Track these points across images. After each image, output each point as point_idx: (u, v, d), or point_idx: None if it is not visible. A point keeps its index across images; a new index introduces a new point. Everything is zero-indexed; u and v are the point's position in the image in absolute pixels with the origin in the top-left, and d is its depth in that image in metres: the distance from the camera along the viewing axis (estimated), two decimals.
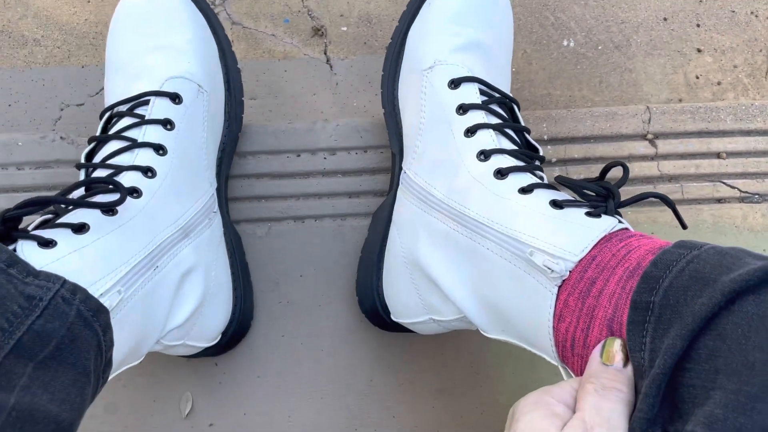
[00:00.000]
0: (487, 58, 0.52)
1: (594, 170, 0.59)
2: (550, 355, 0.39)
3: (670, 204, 0.42)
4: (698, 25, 0.76)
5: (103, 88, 0.71)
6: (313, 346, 0.56)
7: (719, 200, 0.59)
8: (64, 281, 0.35)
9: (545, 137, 0.60)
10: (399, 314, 0.52)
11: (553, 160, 0.59)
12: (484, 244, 0.43)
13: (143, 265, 0.42)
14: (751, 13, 0.77)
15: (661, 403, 0.29)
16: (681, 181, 0.59)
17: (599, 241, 0.38)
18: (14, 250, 0.37)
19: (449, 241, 0.46)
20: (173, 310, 0.45)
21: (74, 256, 0.38)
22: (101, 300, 0.37)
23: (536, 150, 0.49)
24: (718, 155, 0.60)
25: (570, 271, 0.37)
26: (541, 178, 0.46)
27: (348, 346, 0.56)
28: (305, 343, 0.56)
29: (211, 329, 0.50)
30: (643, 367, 0.31)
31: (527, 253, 0.40)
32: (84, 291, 0.36)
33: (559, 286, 0.38)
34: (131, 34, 0.53)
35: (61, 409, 0.33)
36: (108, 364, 0.39)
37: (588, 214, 0.40)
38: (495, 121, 0.48)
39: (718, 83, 0.75)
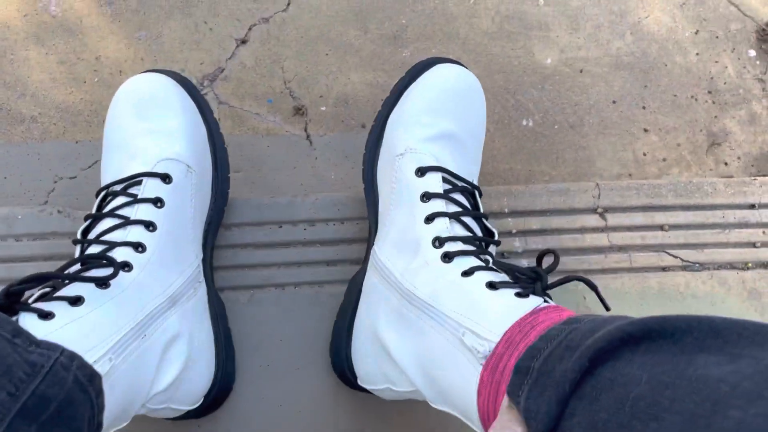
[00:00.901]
0: (457, 147, 0.56)
1: (550, 241, 0.65)
2: (479, 429, 0.42)
3: (592, 287, 0.45)
4: (644, 107, 0.84)
5: (95, 162, 0.76)
6: (292, 408, 0.59)
7: (664, 269, 0.65)
8: (63, 349, 0.38)
9: (506, 210, 0.65)
10: (363, 380, 0.56)
11: (514, 231, 0.65)
12: (427, 322, 0.47)
13: (133, 334, 0.46)
14: (691, 97, 0.85)
15: None
16: (629, 251, 0.65)
17: (518, 320, 0.41)
18: (17, 321, 0.41)
19: (401, 318, 0.50)
20: (158, 375, 0.49)
21: (70, 327, 0.42)
22: (95, 366, 0.41)
23: (492, 234, 0.53)
24: (661, 227, 0.66)
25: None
26: (486, 261, 0.50)
27: (325, 407, 0.60)
28: (284, 404, 0.59)
29: (193, 393, 0.53)
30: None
31: (461, 333, 0.43)
32: (80, 358, 0.38)
33: (483, 364, 0.41)
34: (128, 117, 0.57)
35: None
36: (99, 426, 0.41)
37: (517, 294, 0.44)
38: (453, 209, 0.52)
39: (664, 159, 0.82)
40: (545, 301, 0.44)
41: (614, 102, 0.84)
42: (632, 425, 0.26)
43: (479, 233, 0.53)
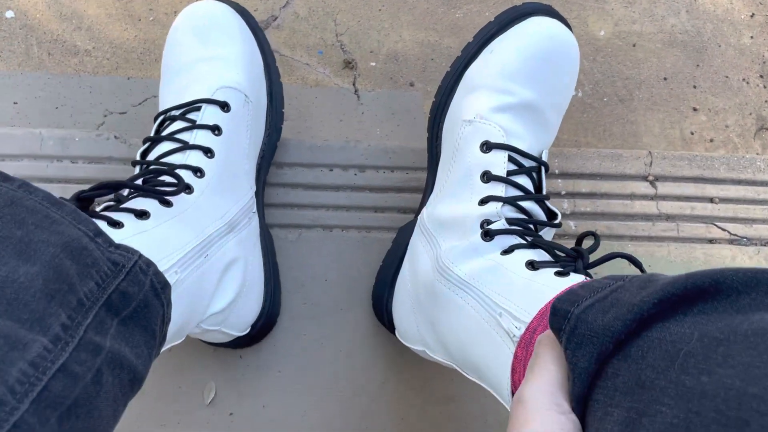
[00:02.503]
0: (534, 118, 0.52)
1: (599, 205, 0.65)
2: (509, 406, 0.40)
3: (636, 264, 0.43)
4: (695, 87, 0.83)
5: (146, 99, 0.76)
6: (332, 347, 0.60)
7: (711, 241, 0.65)
8: (141, 255, 0.38)
9: (556, 171, 0.65)
10: (401, 335, 0.56)
11: (563, 192, 0.65)
12: (465, 299, 0.46)
13: (196, 252, 0.46)
14: (743, 79, 0.84)
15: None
16: (677, 220, 0.65)
17: (555, 296, 0.39)
18: None
19: (438, 291, 0.49)
20: (216, 296, 0.49)
21: (139, 238, 0.42)
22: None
23: (554, 215, 0.51)
24: (711, 200, 0.66)
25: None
26: (529, 238, 0.48)
27: (364, 350, 0.60)
28: (325, 343, 0.60)
29: (244, 319, 0.54)
30: None
31: (497, 313, 0.43)
32: (155, 266, 0.39)
33: (517, 342, 0.40)
34: (187, 44, 0.57)
35: (138, 362, 0.36)
36: (164, 339, 0.42)
37: (557, 273, 0.42)
38: (513, 193, 0.50)
39: (711, 140, 0.82)
40: (586, 278, 0.42)
41: (665, 79, 0.83)
42: (681, 380, 0.25)
43: (540, 214, 0.50)
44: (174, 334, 0.45)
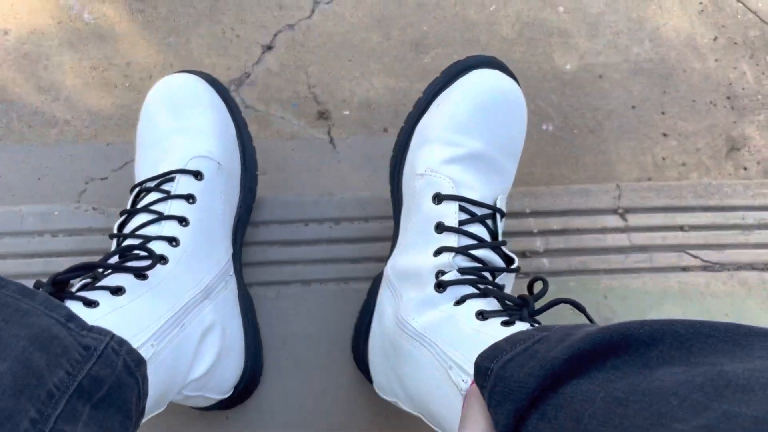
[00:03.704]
0: (486, 167, 0.53)
1: (572, 241, 0.66)
2: None
3: (580, 308, 0.44)
4: (663, 113, 0.85)
5: (125, 164, 0.78)
6: (318, 402, 0.61)
7: (684, 269, 0.66)
8: (113, 335, 0.39)
9: (527, 210, 0.67)
10: (377, 386, 0.56)
11: (535, 230, 0.66)
12: (421, 351, 0.47)
13: (172, 323, 0.47)
14: (710, 102, 0.86)
15: None
16: (650, 251, 0.66)
17: None
18: None
19: (398, 344, 0.50)
20: (195, 363, 0.50)
21: (114, 315, 0.44)
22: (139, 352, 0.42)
23: (511, 260, 0.51)
24: (681, 228, 0.67)
25: None
26: (482, 289, 0.48)
27: (350, 402, 0.61)
28: (310, 398, 0.61)
29: (225, 382, 0.55)
30: None
31: (448, 366, 0.44)
32: (128, 344, 0.40)
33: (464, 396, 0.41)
34: (160, 117, 0.59)
35: None
36: (142, 412, 0.43)
37: (503, 323, 0.44)
38: (465, 242, 0.50)
39: (683, 164, 0.83)
40: (532, 326, 0.43)
41: (633, 107, 0.85)
42: None
43: (496, 261, 0.51)
44: (154, 404, 0.46)
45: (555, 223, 0.66)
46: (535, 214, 0.67)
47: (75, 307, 0.43)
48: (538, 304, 0.45)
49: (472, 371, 0.40)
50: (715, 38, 0.88)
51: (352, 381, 0.61)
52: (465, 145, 0.52)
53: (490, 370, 0.33)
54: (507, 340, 0.35)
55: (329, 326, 0.63)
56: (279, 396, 0.60)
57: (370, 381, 0.59)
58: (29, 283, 0.41)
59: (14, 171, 0.77)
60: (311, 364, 0.61)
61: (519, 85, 0.55)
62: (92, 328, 0.39)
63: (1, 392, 0.32)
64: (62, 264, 0.62)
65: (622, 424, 0.25)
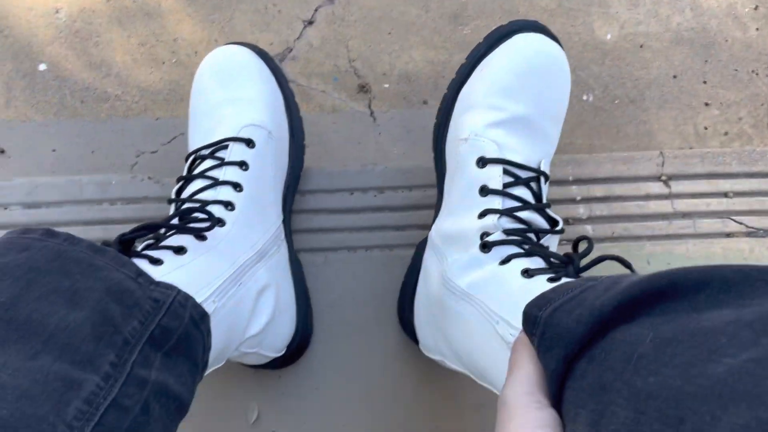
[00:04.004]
0: (529, 131, 0.53)
1: (615, 208, 0.67)
2: None
3: (626, 264, 0.44)
4: (705, 82, 0.84)
5: (174, 138, 0.81)
6: (365, 363, 0.63)
7: (728, 235, 0.66)
8: (179, 290, 0.41)
9: (570, 178, 0.67)
10: (423, 347, 0.58)
11: (578, 198, 0.67)
12: (467, 309, 0.49)
13: (231, 281, 0.50)
14: (752, 71, 0.85)
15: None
16: (693, 217, 0.66)
17: None
18: None
19: (445, 303, 0.51)
20: (252, 320, 0.53)
21: (178, 272, 0.46)
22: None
23: (555, 223, 0.52)
24: (725, 194, 0.67)
25: None
26: (526, 247, 0.49)
27: (396, 363, 0.63)
28: (358, 359, 0.63)
29: (279, 341, 0.57)
30: None
31: (495, 321, 0.45)
32: (193, 299, 0.42)
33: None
34: (212, 88, 0.62)
35: (182, 390, 0.39)
36: (205, 365, 0.45)
37: (550, 279, 0.44)
38: (510, 204, 0.51)
39: (725, 133, 0.83)
40: None
41: (675, 77, 0.84)
42: (633, 382, 0.26)
43: (540, 223, 0.52)
44: (215, 359, 0.48)
45: (598, 190, 0.67)
46: (578, 181, 0.67)
47: (141, 264, 0.45)
48: (583, 262, 0.46)
49: (518, 325, 0.41)
50: (756, 7, 0.87)
51: (397, 342, 0.63)
52: (508, 108, 0.53)
53: (539, 318, 0.34)
54: (554, 290, 0.36)
55: (375, 290, 0.64)
56: (328, 357, 0.62)
57: (416, 341, 0.61)
58: None
59: (69, 145, 0.80)
60: (358, 326, 0.63)
61: (562, 48, 0.55)
62: (159, 283, 0.41)
63: (82, 337, 0.34)
64: (120, 231, 0.65)
65: (671, 361, 0.26)
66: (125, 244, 0.47)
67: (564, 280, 0.44)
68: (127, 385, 0.34)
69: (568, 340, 0.31)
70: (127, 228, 0.65)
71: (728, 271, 0.28)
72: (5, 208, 0.66)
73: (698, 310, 0.28)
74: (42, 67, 0.84)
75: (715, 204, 0.67)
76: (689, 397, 0.23)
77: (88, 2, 0.85)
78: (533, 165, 0.53)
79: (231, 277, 0.50)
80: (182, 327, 0.40)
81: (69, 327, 0.33)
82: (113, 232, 0.65)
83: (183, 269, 0.46)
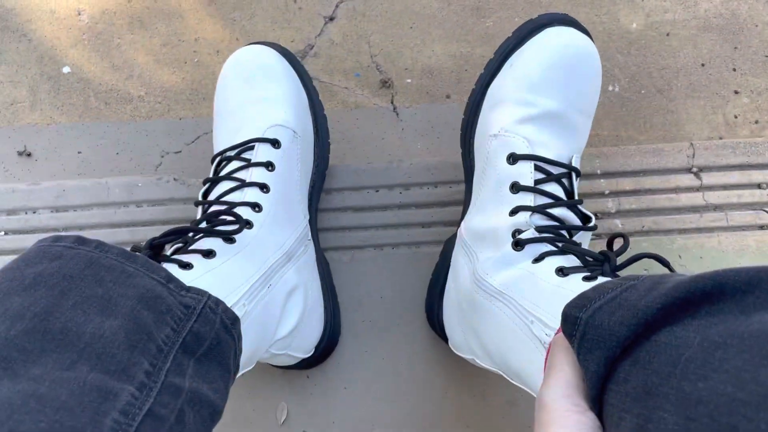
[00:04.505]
0: (560, 126, 0.53)
1: (644, 201, 0.65)
2: None
3: (664, 263, 0.44)
4: (734, 69, 0.82)
5: (198, 137, 0.81)
6: (393, 361, 0.62)
7: (762, 227, 0.65)
8: (209, 295, 0.41)
9: (598, 171, 0.66)
10: (453, 345, 0.58)
11: (606, 192, 0.66)
12: (500, 307, 0.48)
13: (260, 283, 0.50)
14: None
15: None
16: (725, 209, 0.65)
17: None
18: None
19: (477, 302, 0.51)
20: (281, 322, 0.53)
21: (208, 276, 0.46)
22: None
23: (588, 219, 0.51)
24: (759, 186, 0.65)
25: None
26: (559, 245, 0.49)
27: (424, 361, 0.63)
28: (386, 358, 0.62)
29: (308, 341, 0.57)
30: None
31: (529, 321, 0.44)
32: (224, 303, 0.42)
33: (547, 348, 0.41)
34: (236, 88, 0.61)
35: (215, 397, 0.39)
36: (237, 368, 0.45)
37: (585, 278, 0.44)
38: (542, 201, 0.51)
39: (756, 122, 0.81)
40: None
41: (703, 65, 0.83)
42: (681, 387, 0.26)
43: (573, 219, 0.51)
44: (246, 362, 0.48)
45: (627, 183, 0.66)
46: (606, 174, 0.66)
47: (171, 269, 0.45)
48: (619, 260, 0.45)
49: (554, 325, 0.41)
50: None
51: (425, 340, 0.63)
52: (539, 104, 0.52)
53: (579, 319, 0.33)
54: (594, 289, 0.35)
55: (402, 288, 0.64)
56: (357, 355, 0.62)
57: (444, 339, 0.60)
58: None
59: (93, 147, 0.81)
60: (387, 325, 0.63)
61: (593, 42, 0.54)
62: (190, 289, 0.41)
63: (117, 346, 0.34)
64: (146, 232, 0.65)
65: (721, 366, 0.25)
66: (156, 249, 0.47)
67: (600, 279, 0.43)
68: (162, 394, 0.34)
69: (611, 342, 0.31)
70: (153, 230, 0.66)
71: None
72: (34, 212, 0.66)
73: (747, 313, 0.27)
74: (66, 69, 0.84)
75: (748, 195, 0.65)
76: (742, 404, 0.23)
77: (109, 4, 0.85)
78: (564, 161, 0.52)
79: (260, 279, 0.50)
80: (213, 332, 0.40)
81: (104, 335, 0.33)
82: (140, 235, 0.65)
83: (212, 273, 0.46)
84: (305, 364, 0.60)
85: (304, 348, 0.57)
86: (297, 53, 0.84)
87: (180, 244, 0.50)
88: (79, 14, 0.86)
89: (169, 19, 0.85)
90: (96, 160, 0.80)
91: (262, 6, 0.85)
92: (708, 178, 0.65)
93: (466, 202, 0.59)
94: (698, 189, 0.65)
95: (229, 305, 0.44)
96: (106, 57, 0.84)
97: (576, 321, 0.33)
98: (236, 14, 0.85)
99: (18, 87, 0.84)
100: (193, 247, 0.49)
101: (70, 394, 0.30)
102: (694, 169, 0.65)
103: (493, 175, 0.53)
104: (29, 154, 0.80)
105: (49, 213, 0.66)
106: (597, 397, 0.31)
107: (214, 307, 0.41)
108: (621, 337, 0.30)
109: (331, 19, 0.85)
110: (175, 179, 0.66)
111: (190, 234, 0.51)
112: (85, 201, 0.66)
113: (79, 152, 0.80)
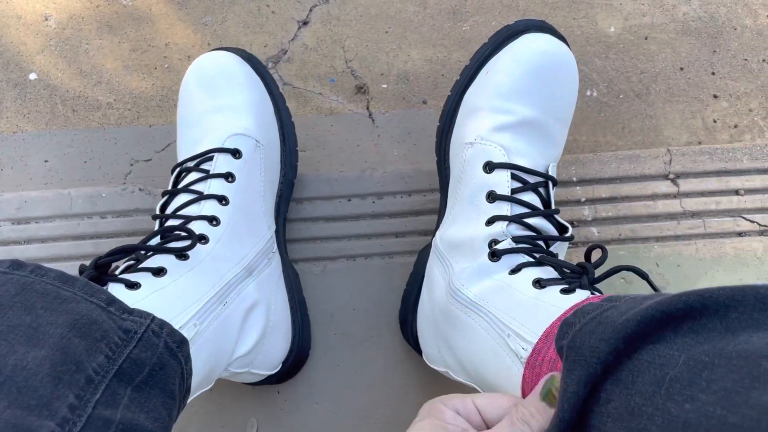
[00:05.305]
0: (537, 134, 0.52)
1: (621, 208, 0.64)
2: None
3: (642, 275, 0.43)
4: (713, 73, 0.82)
5: (168, 145, 0.79)
6: (366, 375, 0.61)
7: (740, 234, 0.64)
8: (153, 317, 0.40)
9: (574, 179, 0.65)
10: (426, 357, 0.56)
11: (582, 199, 0.65)
12: (476, 320, 0.47)
13: (214, 301, 0.48)
14: (763, 60, 0.82)
15: None
16: (703, 216, 0.64)
17: (559, 315, 0.40)
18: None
19: (452, 314, 0.50)
20: (240, 341, 0.51)
21: (155, 296, 0.44)
22: (182, 332, 0.42)
23: (564, 229, 0.51)
24: (736, 192, 0.64)
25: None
26: (537, 257, 0.48)
27: (398, 375, 0.61)
28: (359, 371, 0.61)
29: (272, 358, 0.55)
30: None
31: (506, 334, 0.43)
32: (169, 326, 0.40)
33: (524, 364, 0.41)
34: (197, 96, 0.59)
35: (154, 426, 0.37)
36: (188, 390, 0.43)
37: (563, 291, 0.43)
38: (518, 210, 0.50)
39: (735, 126, 0.80)
40: (592, 294, 0.42)
41: (681, 69, 0.82)
42: (667, 408, 0.25)
43: (549, 229, 0.50)
44: (201, 382, 0.46)
45: (603, 190, 0.64)
46: (582, 182, 0.65)
47: (117, 289, 0.43)
48: (597, 272, 0.44)
49: (531, 339, 0.40)
50: None
51: (399, 352, 0.61)
52: (516, 112, 0.51)
53: (562, 348, 0.33)
54: (575, 314, 0.35)
55: (375, 300, 0.62)
56: (328, 370, 0.61)
57: (419, 352, 0.59)
58: (78, 265, 0.41)
59: (61, 156, 0.79)
60: (359, 337, 0.62)
61: (570, 49, 0.53)
62: (133, 311, 0.39)
63: (39, 380, 0.32)
64: (111, 245, 0.63)
65: (709, 387, 0.24)
66: (102, 268, 0.45)
67: (578, 291, 0.43)
68: (88, 428, 0.32)
69: (591, 359, 0.30)
70: (118, 241, 0.64)
71: (762, 288, 0.27)
72: None
73: (732, 331, 0.27)
74: (32, 76, 0.82)
75: (726, 202, 0.64)
76: (735, 428, 0.22)
77: (78, 9, 0.83)
78: (541, 170, 0.52)
79: (215, 296, 0.48)
80: (156, 356, 0.39)
81: (27, 367, 0.31)
82: (105, 247, 0.63)
83: (160, 292, 0.44)
84: (274, 380, 0.58)
85: (268, 365, 0.55)
86: (270, 58, 0.82)
87: (132, 262, 0.48)
88: (47, 19, 0.84)
89: (138, 24, 0.83)
90: (63, 169, 0.78)
91: (234, 10, 0.83)
92: (685, 185, 0.64)
93: (440, 212, 0.58)
94: (675, 196, 0.64)
95: (177, 326, 0.42)
96: (74, 63, 0.82)
97: (560, 350, 0.33)
98: (208, 18, 0.83)
99: None
100: (143, 265, 0.47)
101: None
102: (671, 176, 0.64)
103: (469, 184, 0.52)
104: None
105: (10, 225, 0.64)
106: (573, 421, 0.30)
107: (158, 330, 0.39)
108: (602, 353, 0.30)
109: (305, 23, 0.83)
110: (140, 189, 0.64)
111: (142, 251, 0.49)
112: (47, 212, 0.64)
113: (45, 161, 0.78)
